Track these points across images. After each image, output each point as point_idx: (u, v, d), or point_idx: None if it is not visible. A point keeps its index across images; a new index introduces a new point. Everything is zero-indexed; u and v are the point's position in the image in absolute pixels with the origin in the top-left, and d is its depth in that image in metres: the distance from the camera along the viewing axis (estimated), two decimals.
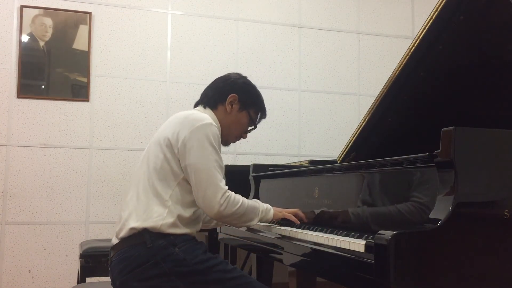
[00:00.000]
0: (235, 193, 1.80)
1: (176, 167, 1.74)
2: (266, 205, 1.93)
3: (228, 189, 1.76)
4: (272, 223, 2.03)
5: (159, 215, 1.69)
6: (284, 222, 2.00)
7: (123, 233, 1.72)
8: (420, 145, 1.54)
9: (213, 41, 3.96)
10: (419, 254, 1.22)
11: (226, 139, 1.98)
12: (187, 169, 1.72)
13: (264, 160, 3.78)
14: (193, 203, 1.77)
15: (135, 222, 1.69)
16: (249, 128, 2.03)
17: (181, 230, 1.72)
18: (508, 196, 1.33)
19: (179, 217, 1.71)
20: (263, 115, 2.04)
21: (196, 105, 1.99)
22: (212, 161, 1.71)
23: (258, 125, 2.05)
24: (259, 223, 1.95)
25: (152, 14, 3.84)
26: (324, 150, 4.12)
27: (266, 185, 2.47)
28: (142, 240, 1.67)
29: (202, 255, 1.71)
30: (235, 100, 1.93)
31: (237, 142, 2.08)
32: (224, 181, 1.75)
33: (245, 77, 2.02)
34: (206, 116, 1.80)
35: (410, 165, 1.49)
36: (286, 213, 1.96)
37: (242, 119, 1.97)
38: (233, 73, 2.05)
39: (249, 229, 2.16)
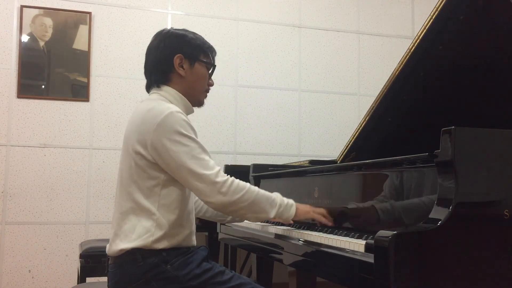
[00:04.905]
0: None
1: (151, 171, 1.60)
2: (288, 200, 1.73)
3: (229, 176, 1.60)
4: (293, 226, 1.86)
5: (147, 231, 1.59)
6: (306, 226, 1.83)
7: (113, 252, 1.64)
8: (420, 145, 1.54)
9: (213, 41, 3.89)
10: (419, 254, 1.22)
11: (197, 99, 1.81)
12: (172, 172, 1.60)
13: (264, 160, 3.76)
14: (183, 198, 1.65)
15: (125, 244, 1.60)
16: (210, 73, 1.86)
17: (174, 239, 1.61)
18: (508, 196, 1.32)
19: (170, 225, 1.61)
20: (213, 52, 1.88)
21: (148, 88, 1.83)
22: (188, 152, 1.56)
23: (213, 78, 1.89)
24: (278, 227, 1.85)
25: (152, 14, 3.84)
26: (324, 150, 4.12)
27: (266, 185, 2.47)
28: (133, 258, 1.59)
29: (196, 269, 1.60)
30: (182, 60, 1.76)
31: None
32: (211, 164, 1.58)
33: (171, 30, 1.82)
34: (163, 107, 1.62)
35: (410, 165, 1.49)
36: (315, 213, 1.76)
37: (200, 71, 1.80)
38: (157, 34, 1.83)
39: (249, 229, 2.15)
